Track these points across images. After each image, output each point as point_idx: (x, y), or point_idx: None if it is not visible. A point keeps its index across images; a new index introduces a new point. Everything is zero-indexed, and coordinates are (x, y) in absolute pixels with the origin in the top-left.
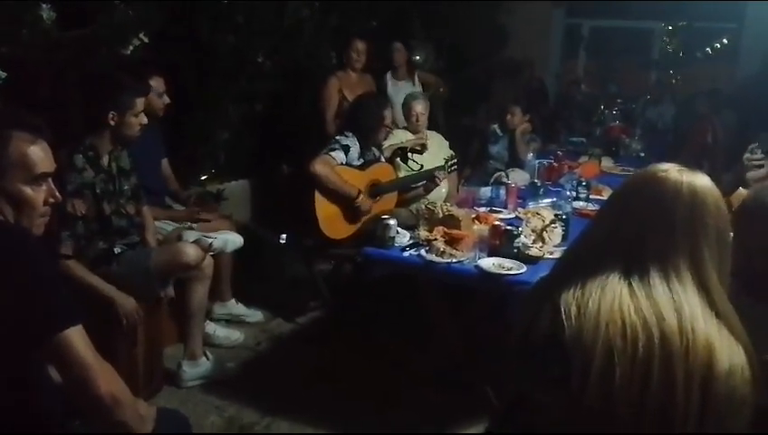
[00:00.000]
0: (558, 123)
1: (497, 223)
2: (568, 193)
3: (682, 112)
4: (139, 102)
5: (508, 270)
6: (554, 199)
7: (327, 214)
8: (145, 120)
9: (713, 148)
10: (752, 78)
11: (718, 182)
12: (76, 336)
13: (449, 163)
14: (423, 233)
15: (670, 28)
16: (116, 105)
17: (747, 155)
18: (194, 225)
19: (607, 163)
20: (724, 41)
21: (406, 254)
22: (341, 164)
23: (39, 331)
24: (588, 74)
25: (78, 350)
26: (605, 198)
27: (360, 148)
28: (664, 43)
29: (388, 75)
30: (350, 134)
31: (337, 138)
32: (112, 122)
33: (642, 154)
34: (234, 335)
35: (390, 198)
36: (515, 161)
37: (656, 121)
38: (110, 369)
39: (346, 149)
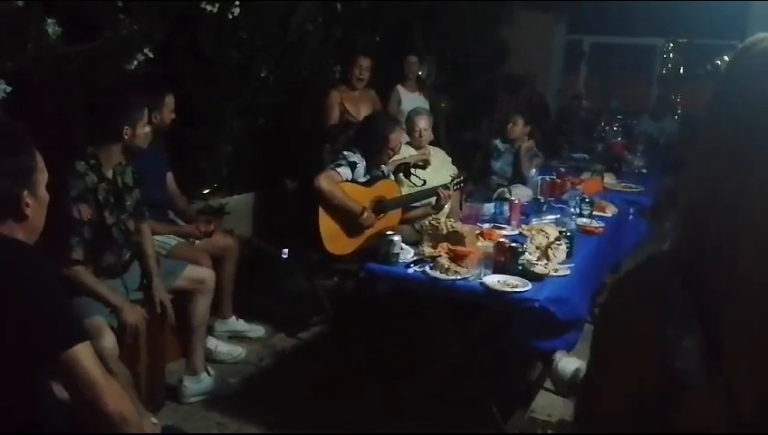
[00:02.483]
0: (560, 139)
1: (502, 240)
2: (572, 210)
3: (686, 128)
4: (146, 115)
5: (513, 287)
6: (558, 216)
7: (330, 229)
8: (149, 130)
9: None
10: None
11: None
12: (84, 353)
13: (455, 181)
14: (427, 249)
15: (671, 45)
16: (129, 119)
17: None
18: (198, 241)
19: (609, 180)
20: (725, 57)
21: (410, 270)
22: (347, 180)
23: (46, 349)
24: (589, 90)
25: (86, 367)
26: (608, 214)
27: (367, 165)
28: (665, 60)
29: (400, 87)
30: (357, 151)
31: (345, 153)
32: (126, 136)
33: (644, 171)
34: (236, 351)
35: (394, 215)
36: (518, 177)
37: (657, 138)
38: (118, 386)
39: (353, 165)
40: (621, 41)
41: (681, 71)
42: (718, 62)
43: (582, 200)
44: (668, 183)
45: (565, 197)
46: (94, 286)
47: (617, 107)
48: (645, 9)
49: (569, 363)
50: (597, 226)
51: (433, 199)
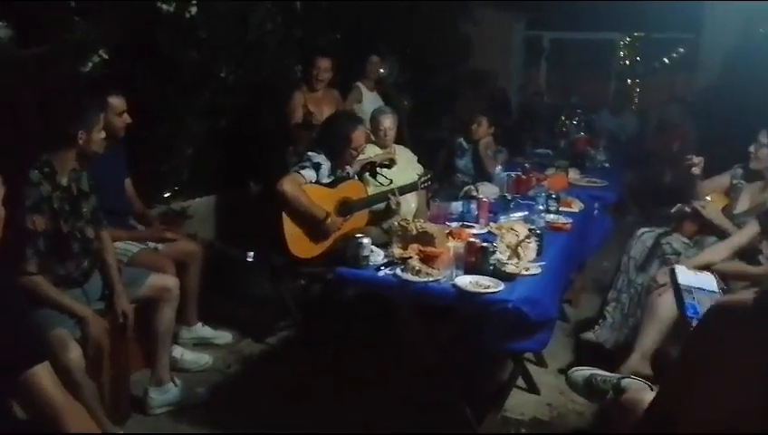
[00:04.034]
0: (523, 135)
1: (472, 239)
2: (540, 207)
3: (648, 123)
4: (102, 117)
5: (486, 288)
6: (526, 213)
7: (295, 233)
8: (104, 135)
9: (678, 157)
10: (714, 87)
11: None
12: (42, 374)
13: (422, 180)
14: (397, 251)
15: (628, 39)
16: (84, 123)
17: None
18: (159, 245)
19: (574, 175)
20: (681, 50)
21: (381, 273)
22: (311, 182)
23: (4, 370)
24: (549, 86)
25: (45, 388)
26: (574, 210)
27: (331, 165)
28: (623, 55)
29: (360, 84)
30: (321, 152)
31: (309, 154)
32: (81, 141)
33: (607, 165)
34: (202, 359)
35: (362, 216)
36: (482, 174)
37: (618, 132)
38: (79, 407)
39: (317, 166)
40: (580, 36)
41: (638, 65)
42: (674, 55)
43: (549, 196)
44: (631, 178)
45: (531, 193)
46: (56, 297)
47: (577, 102)
48: (602, 5)
49: (582, 371)
50: (564, 222)
51: (383, 205)
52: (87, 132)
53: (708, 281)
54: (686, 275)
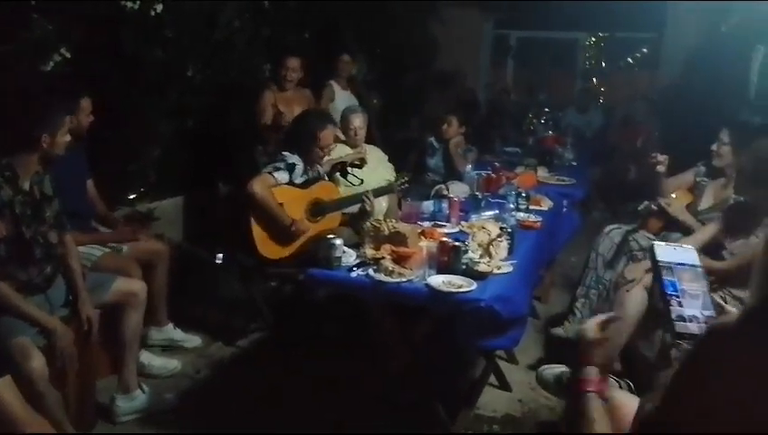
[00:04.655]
0: (492, 133)
1: (445, 239)
2: (511, 205)
3: (613, 120)
4: (68, 120)
5: (458, 288)
6: (497, 211)
7: (264, 234)
8: (69, 138)
9: (642, 153)
10: (676, 85)
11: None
12: (4, 388)
13: (399, 181)
14: (369, 251)
15: (593, 39)
16: (48, 126)
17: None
18: (124, 246)
19: (542, 173)
20: (644, 50)
21: (353, 274)
22: (284, 183)
23: None
24: (516, 84)
25: (7, 403)
26: (544, 208)
27: (304, 165)
28: (588, 54)
29: (333, 83)
30: (294, 152)
31: (283, 154)
32: (45, 144)
33: (575, 163)
34: (170, 364)
35: (334, 217)
36: (453, 173)
37: (584, 130)
38: (43, 422)
39: (291, 167)
40: (546, 35)
41: (603, 64)
42: (638, 54)
43: (519, 195)
44: (596, 174)
45: (502, 191)
46: (22, 306)
47: (544, 100)
48: (568, 4)
49: (552, 369)
50: (535, 220)
51: (356, 208)
52: (51, 136)
53: (689, 255)
54: (665, 251)
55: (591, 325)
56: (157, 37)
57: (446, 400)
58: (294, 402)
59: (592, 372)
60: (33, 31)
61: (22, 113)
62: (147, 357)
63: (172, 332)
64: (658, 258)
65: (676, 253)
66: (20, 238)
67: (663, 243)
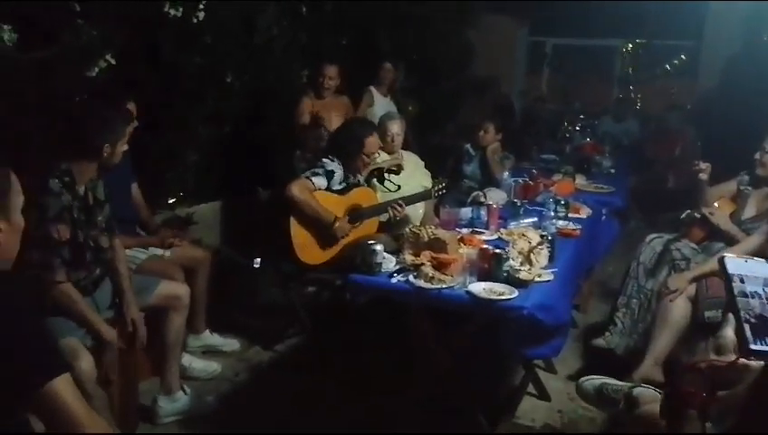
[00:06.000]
0: (528, 140)
1: (485, 246)
2: (551, 213)
3: (651, 128)
4: (128, 130)
5: (500, 295)
6: (536, 219)
7: (303, 239)
8: (126, 147)
9: (679, 162)
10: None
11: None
12: (64, 386)
13: (437, 188)
14: (409, 258)
15: (630, 46)
16: (111, 136)
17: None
18: (167, 252)
19: (580, 181)
20: (683, 57)
21: (394, 280)
22: (322, 189)
23: (24, 382)
24: (551, 91)
25: (66, 401)
26: (582, 216)
27: (344, 172)
28: (624, 61)
29: (373, 89)
30: (335, 159)
31: (323, 161)
32: (106, 153)
33: (613, 171)
34: (211, 367)
35: (372, 223)
36: (489, 180)
37: (621, 138)
38: (102, 423)
39: (330, 174)
40: (583, 42)
41: (640, 71)
42: (676, 61)
43: (557, 202)
44: (634, 183)
45: (539, 199)
46: (85, 311)
47: (579, 108)
48: (605, 11)
49: (592, 381)
50: (574, 228)
51: (384, 216)
52: (112, 145)
53: (761, 267)
54: (735, 263)
55: None
56: (196, 43)
57: (486, 407)
58: (331, 407)
59: None
60: (80, 37)
61: (86, 123)
62: (188, 359)
63: (209, 338)
64: (729, 270)
65: (748, 265)
66: (74, 242)
67: (732, 254)
